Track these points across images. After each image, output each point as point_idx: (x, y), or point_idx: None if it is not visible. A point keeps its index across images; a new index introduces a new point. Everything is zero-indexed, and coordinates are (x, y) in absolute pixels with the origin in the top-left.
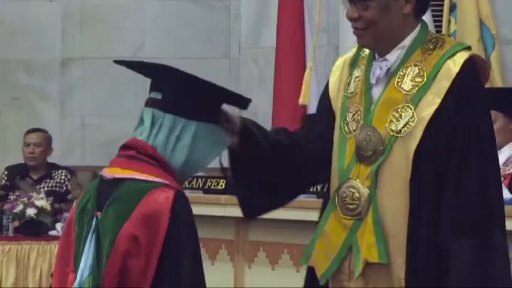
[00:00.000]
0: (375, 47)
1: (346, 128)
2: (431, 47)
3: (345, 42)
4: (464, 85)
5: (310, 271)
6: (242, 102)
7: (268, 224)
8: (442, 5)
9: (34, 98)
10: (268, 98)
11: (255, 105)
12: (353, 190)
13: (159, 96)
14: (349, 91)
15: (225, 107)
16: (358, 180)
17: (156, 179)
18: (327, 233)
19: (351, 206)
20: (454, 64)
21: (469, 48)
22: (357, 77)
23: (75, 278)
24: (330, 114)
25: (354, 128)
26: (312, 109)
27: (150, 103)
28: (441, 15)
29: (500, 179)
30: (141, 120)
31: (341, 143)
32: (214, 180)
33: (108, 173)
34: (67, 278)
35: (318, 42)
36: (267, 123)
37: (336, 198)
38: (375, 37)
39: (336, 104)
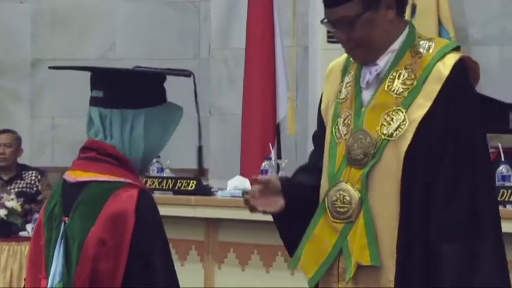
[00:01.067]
0: (369, 59)
1: (337, 133)
2: (420, 50)
3: (313, 43)
4: (454, 88)
5: None
6: (183, 74)
7: (238, 224)
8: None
9: (5, 98)
10: (238, 99)
11: (224, 106)
12: (344, 193)
13: (100, 94)
14: (340, 97)
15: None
16: (348, 183)
17: (119, 179)
18: (316, 237)
19: (342, 210)
20: (444, 67)
21: (458, 48)
22: (347, 82)
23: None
24: (324, 127)
25: (345, 132)
26: (284, 111)
27: (93, 102)
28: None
29: (494, 184)
30: (90, 121)
31: (331, 147)
32: (185, 181)
33: (71, 176)
34: (39, 284)
35: (287, 43)
36: (237, 124)
37: (326, 202)
38: (368, 51)
39: (327, 112)
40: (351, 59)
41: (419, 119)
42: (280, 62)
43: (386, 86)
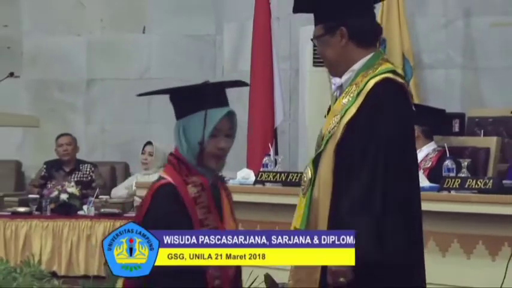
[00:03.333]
0: (334, 74)
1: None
2: (370, 71)
3: (302, 67)
4: (373, 99)
5: None
6: (231, 85)
7: (245, 206)
8: None
9: (65, 110)
10: (245, 110)
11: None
12: (306, 174)
13: None
14: None
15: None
16: (310, 166)
17: (165, 176)
18: (298, 207)
19: (303, 185)
20: (371, 83)
21: (393, 71)
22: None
23: None
24: None
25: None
26: (280, 119)
27: None
28: None
29: (401, 171)
30: None
31: None
32: None
33: None
34: None
35: (282, 66)
36: (243, 128)
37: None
38: (328, 65)
39: None
40: None
41: (345, 120)
42: (277, 81)
43: (342, 98)
